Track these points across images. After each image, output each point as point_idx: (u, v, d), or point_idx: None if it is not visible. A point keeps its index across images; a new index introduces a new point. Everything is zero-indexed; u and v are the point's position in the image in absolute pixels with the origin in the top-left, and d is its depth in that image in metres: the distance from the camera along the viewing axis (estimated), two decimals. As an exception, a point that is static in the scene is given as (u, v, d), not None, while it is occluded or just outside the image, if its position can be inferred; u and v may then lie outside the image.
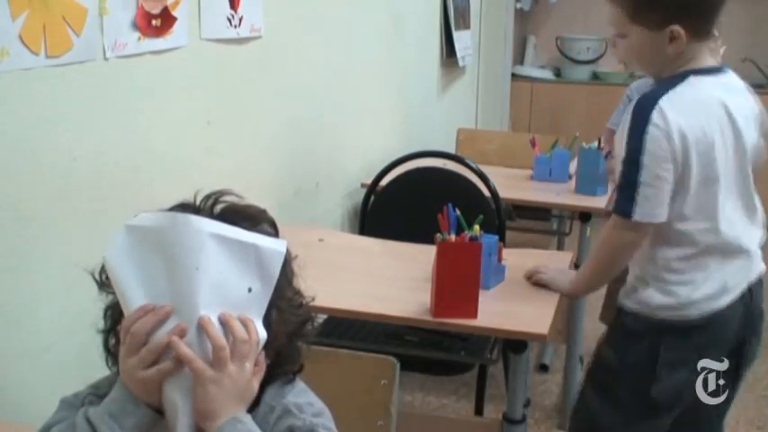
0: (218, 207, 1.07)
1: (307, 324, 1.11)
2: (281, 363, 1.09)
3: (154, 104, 1.85)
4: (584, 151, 2.91)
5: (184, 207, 1.05)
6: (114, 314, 1.06)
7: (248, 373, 1.00)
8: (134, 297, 0.99)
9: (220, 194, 1.07)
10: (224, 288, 0.99)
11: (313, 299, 1.12)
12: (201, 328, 0.97)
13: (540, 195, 2.93)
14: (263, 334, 1.01)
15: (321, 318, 2.00)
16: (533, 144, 3.12)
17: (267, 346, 1.04)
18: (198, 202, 1.07)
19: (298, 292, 1.10)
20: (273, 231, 1.09)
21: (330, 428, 1.09)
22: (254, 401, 1.05)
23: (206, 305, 0.98)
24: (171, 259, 0.98)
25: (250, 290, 1.00)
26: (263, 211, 1.10)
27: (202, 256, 0.97)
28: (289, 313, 1.08)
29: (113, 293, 1.03)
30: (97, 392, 1.10)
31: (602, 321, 3.39)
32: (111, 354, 1.07)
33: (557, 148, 3.12)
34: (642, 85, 3.04)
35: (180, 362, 0.97)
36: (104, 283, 1.05)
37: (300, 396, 1.11)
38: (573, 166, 3.06)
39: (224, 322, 0.98)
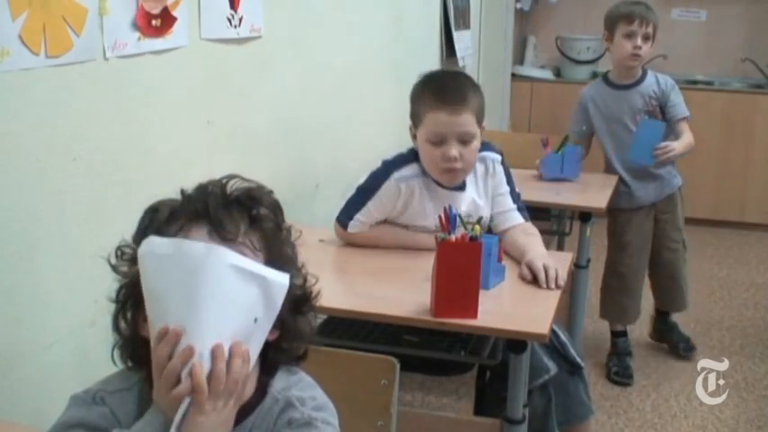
0: (234, 191, 1.12)
1: (309, 300, 1.16)
2: (285, 337, 1.12)
3: (154, 104, 1.85)
4: (646, 122, 3.02)
5: (200, 190, 1.12)
6: (128, 293, 1.10)
7: (231, 407, 1.02)
8: (158, 307, 1.02)
9: (230, 178, 1.14)
10: (235, 317, 1.02)
11: (316, 280, 1.17)
12: (213, 356, 0.99)
13: (540, 195, 2.93)
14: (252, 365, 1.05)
15: (321, 318, 2.00)
16: (545, 143, 3.15)
17: None
18: (212, 187, 1.13)
19: (300, 268, 1.16)
20: (279, 215, 1.15)
21: (330, 422, 1.11)
22: (261, 393, 1.10)
23: (217, 333, 1.01)
24: (194, 284, 1.00)
25: (256, 320, 1.03)
26: (270, 192, 1.17)
27: (221, 286, 1.01)
28: (290, 284, 1.11)
29: (125, 276, 1.09)
30: (108, 388, 1.11)
31: (603, 318, 3.41)
32: (121, 335, 1.11)
33: (566, 145, 3.15)
34: (596, 87, 3.25)
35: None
36: (117, 265, 1.10)
37: (306, 390, 1.14)
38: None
39: (231, 354, 1.01)
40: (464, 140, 2.06)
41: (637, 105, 3.11)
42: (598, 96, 3.20)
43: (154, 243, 1.04)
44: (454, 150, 2.05)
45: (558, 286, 1.92)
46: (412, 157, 2.18)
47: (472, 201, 2.18)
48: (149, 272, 1.03)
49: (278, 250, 1.12)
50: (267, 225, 1.12)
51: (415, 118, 2.16)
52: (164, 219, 1.10)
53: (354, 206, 2.18)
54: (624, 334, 3.37)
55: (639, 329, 3.51)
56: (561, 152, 3.10)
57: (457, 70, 2.24)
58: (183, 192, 1.13)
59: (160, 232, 1.08)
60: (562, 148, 3.12)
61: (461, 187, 2.17)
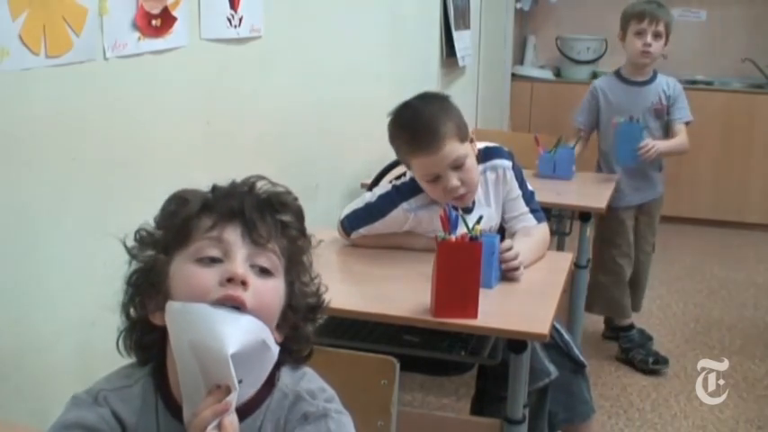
0: (263, 193, 1.13)
1: (319, 309, 1.18)
2: (294, 340, 1.14)
3: (154, 104, 1.85)
4: (623, 125, 3.11)
5: (233, 187, 1.13)
6: (141, 278, 1.10)
7: None
8: (185, 358, 1.03)
9: (258, 179, 1.15)
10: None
11: (327, 288, 1.19)
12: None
13: (540, 195, 2.92)
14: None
15: (321, 318, 2.00)
16: (537, 142, 3.17)
17: (284, 320, 1.11)
18: (244, 187, 1.13)
19: (314, 278, 1.17)
20: (302, 222, 1.16)
21: (342, 412, 1.13)
22: (269, 387, 1.11)
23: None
24: (206, 346, 1.00)
25: (240, 382, 1.02)
26: (296, 198, 1.17)
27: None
28: (305, 292, 1.15)
29: (137, 259, 1.10)
30: (110, 386, 1.11)
31: (603, 314, 3.44)
32: (130, 319, 1.11)
33: (561, 145, 3.18)
34: (608, 81, 3.34)
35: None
36: (133, 249, 1.10)
37: (312, 382, 1.15)
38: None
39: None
40: (457, 166, 2.04)
41: (647, 103, 3.22)
42: (609, 90, 3.30)
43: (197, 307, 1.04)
44: (454, 181, 2.03)
45: (511, 264, 1.95)
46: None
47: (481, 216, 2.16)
48: (187, 318, 1.03)
49: (298, 258, 1.14)
50: (292, 233, 1.13)
51: (402, 160, 2.18)
52: (195, 210, 1.10)
53: (360, 221, 2.20)
54: (633, 326, 3.41)
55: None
56: (554, 152, 3.16)
57: (418, 98, 2.16)
58: (215, 187, 1.14)
59: (190, 223, 1.09)
60: (555, 148, 3.17)
61: (470, 209, 2.16)
